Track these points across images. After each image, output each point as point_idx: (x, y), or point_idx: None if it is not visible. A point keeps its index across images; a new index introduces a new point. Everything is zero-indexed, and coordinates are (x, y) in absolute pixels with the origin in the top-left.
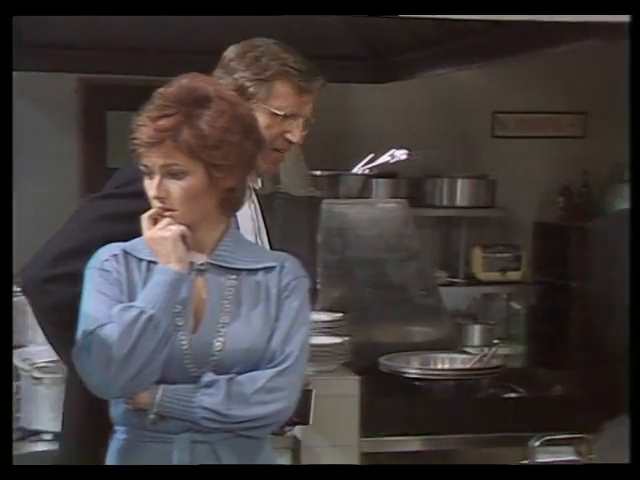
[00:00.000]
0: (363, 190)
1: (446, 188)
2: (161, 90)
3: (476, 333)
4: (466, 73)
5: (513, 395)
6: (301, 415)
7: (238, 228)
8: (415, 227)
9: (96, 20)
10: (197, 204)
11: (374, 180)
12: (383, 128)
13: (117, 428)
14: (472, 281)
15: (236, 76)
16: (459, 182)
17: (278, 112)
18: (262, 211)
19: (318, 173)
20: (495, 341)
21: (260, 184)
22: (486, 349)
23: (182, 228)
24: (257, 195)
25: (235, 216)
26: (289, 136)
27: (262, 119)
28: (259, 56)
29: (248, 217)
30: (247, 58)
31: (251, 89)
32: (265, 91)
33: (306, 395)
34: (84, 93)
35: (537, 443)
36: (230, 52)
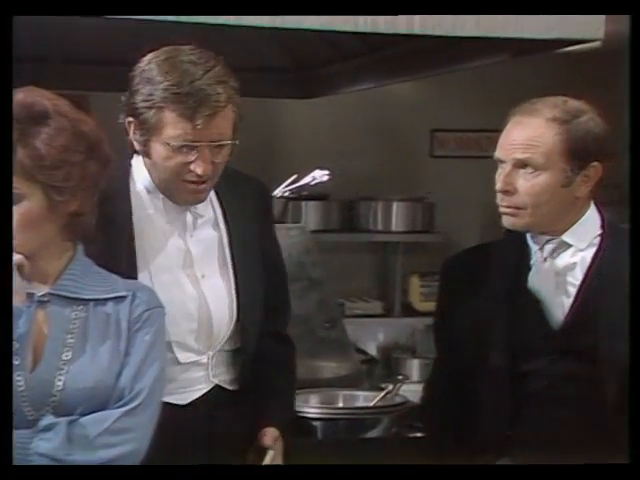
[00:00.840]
0: (284, 214)
1: (381, 211)
2: None
3: (414, 368)
4: (401, 88)
5: (418, 434)
6: None
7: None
8: (319, 253)
9: None
10: (36, 231)
11: (303, 203)
12: (311, 147)
13: None
14: (409, 312)
15: (132, 101)
16: (395, 205)
17: (169, 142)
18: (230, 236)
19: None
20: (399, 377)
21: (202, 209)
22: (390, 385)
23: (18, 257)
24: (224, 213)
25: (125, 245)
26: (192, 167)
27: (158, 149)
28: (149, 78)
29: (177, 246)
30: (137, 80)
31: (142, 116)
32: (154, 119)
33: (260, 454)
34: None
35: None
36: (136, 67)
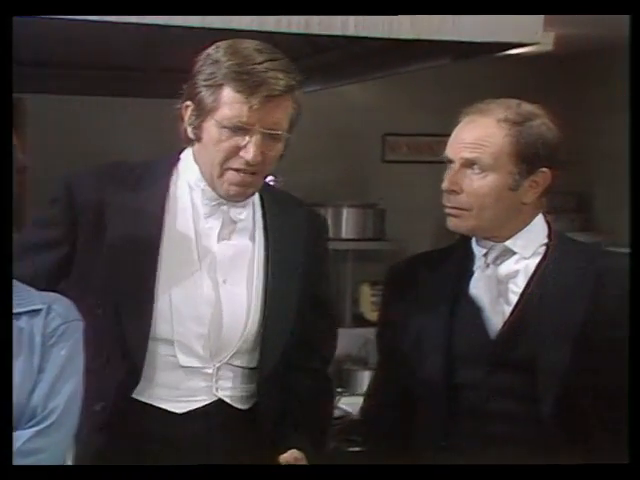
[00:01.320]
0: None
1: (330, 218)
2: None
3: (365, 380)
4: (352, 91)
5: (357, 449)
6: None
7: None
8: None
9: None
10: None
11: None
12: None
13: None
14: (360, 322)
15: (193, 81)
16: (345, 211)
17: (222, 123)
18: (267, 243)
19: None
20: (339, 390)
21: (242, 215)
22: None
23: None
24: (266, 228)
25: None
26: (242, 153)
27: (211, 131)
28: (214, 60)
29: (204, 247)
30: (201, 61)
31: (200, 95)
32: (213, 99)
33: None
34: None
35: None
36: (201, 53)
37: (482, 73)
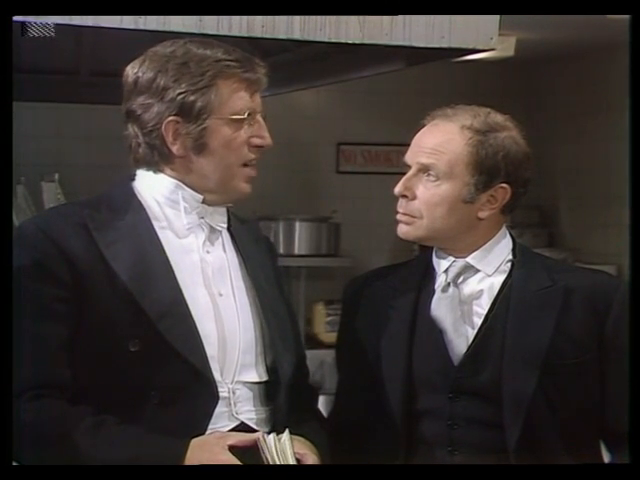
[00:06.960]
0: None
1: (282, 232)
2: None
3: (321, 406)
4: (304, 97)
5: None
6: None
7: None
8: None
9: None
10: None
11: None
12: None
13: None
14: (315, 344)
15: (171, 96)
16: (297, 225)
17: (238, 116)
18: (242, 255)
19: None
20: None
21: (222, 222)
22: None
23: None
24: (233, 238)
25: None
26: (257, 141)
27: (223, 132)
28: (185, 62)
29: (193, 261)
30: (171, 70)
31: (198, 103)
32: (213, 98)
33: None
34: None
35: None
36: (141, 71)
37: (445, 79)
